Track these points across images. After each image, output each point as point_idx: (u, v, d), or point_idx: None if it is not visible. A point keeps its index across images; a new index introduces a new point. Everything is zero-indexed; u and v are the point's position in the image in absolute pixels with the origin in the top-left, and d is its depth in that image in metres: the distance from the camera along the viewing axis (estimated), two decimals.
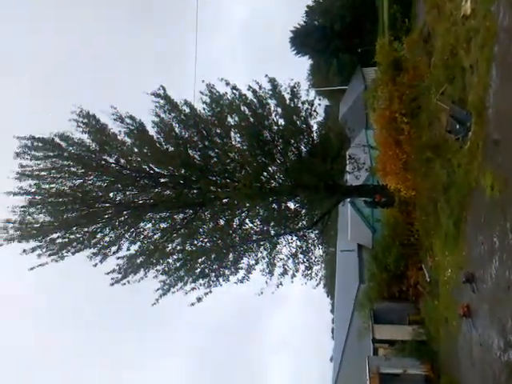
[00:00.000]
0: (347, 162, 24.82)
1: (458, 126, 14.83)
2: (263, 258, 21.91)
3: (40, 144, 19.65)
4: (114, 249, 20.71)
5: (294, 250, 22.40)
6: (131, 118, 20.41)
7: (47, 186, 20.09)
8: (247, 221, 22.26)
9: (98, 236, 20.53)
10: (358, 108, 42.76)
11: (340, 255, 36.90)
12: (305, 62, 70.36)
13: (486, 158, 12.59)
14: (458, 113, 14.85)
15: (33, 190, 19.87)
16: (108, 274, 20.11)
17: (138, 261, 20.52)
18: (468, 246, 14.29)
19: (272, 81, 20.58)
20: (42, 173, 19.98)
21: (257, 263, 21.72)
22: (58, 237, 20.06)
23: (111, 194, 20.87)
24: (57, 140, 19.88)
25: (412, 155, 18.80)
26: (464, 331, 14.47)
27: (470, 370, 14.16)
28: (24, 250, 19.41)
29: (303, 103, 21.09)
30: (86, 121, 20.04)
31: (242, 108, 20.51)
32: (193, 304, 20.24)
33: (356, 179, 24.23)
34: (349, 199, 27.50)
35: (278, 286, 21.44)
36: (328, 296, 75.21)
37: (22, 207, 19.90)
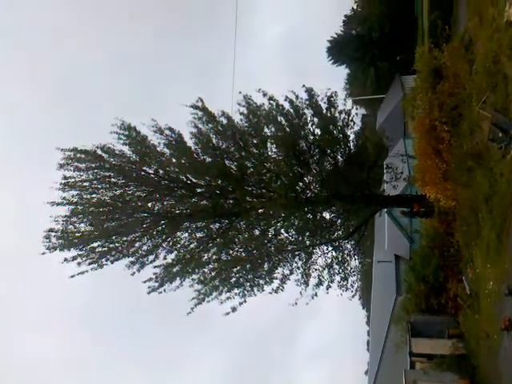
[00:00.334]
0: (385, 171, 24.51)
1: (500, 135, 14.49)
2: (298, 268, 21.74)
3: (83, 156, 20.27)
4: (151, 258, 21.06)
5: (329, 261, 22.15)
6: (170, 129, 20.86)
7: (89, 196, 20.64)
8: (282, 231, 22.20)
9: (136, 245, 20.94)
10: (397, 117, 42.20)
11: (377, 266, 36.33)
12: (342, 72, 70.03)
13: None
14: (501, 121, 14.51)
15: (75, 200, 20.45)
16: (145, 282, 20.50)
17: (175, 270, 20.79)
18: (511, 258, 13.86)
19: (309, 91, 20.61)
20: (84, 183, 20.57)
21: (291, 273, 21.57)
22: (98, 245, 20.55)
23: (149, 204, 21.26)
24: (99, 152, 20.48)
25: (452, 164, 18.38)
26: (505, 345, 14.00)
27: None
28: (65, 259, 20.00)
29: (340, 113, 20.97)
30: (126, 133, 20.58)
31: (279, 118, 20.61)
32: (227, 313, 20.25)
33: (394, 189, 23.88)
34: (386, 209, 27.11)
35: (312, 297, 21.25)
36: (364, 308, 74.13)
37: (64, 217, 20.52)
